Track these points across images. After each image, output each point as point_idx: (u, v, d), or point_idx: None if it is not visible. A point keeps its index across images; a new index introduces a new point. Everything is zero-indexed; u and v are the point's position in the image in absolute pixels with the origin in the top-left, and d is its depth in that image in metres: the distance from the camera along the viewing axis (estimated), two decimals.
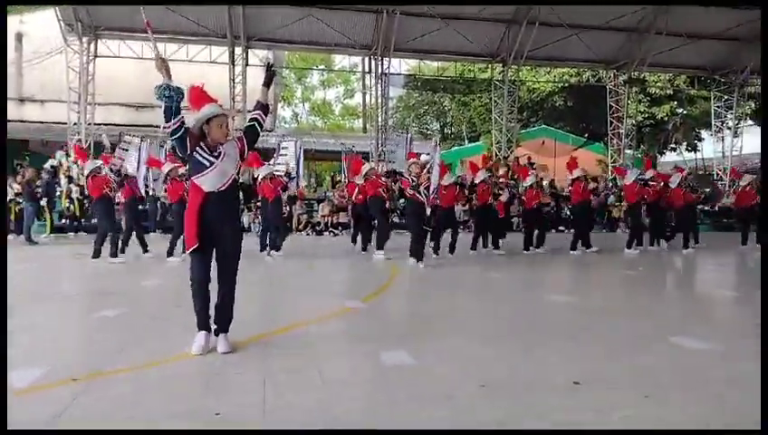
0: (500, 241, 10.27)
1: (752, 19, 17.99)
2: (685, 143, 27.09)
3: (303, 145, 22.92)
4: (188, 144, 3.46)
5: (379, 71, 18.65)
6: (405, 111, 33.19)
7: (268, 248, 9.14)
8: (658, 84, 24.59)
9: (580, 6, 17.07)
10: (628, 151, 21.20)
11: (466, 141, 28.65)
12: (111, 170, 8.83)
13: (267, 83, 3.85)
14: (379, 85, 18.88)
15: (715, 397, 2.82)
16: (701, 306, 5.80)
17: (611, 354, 3.61)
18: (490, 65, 20.45)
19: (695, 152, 27.49)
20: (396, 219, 14.96)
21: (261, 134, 3.82)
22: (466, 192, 10.65)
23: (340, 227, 15.16)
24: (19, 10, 21.22)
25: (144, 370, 3.20)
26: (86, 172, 8.89)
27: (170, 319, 4.54)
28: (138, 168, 9.98)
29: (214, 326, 3.59)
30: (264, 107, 3.78)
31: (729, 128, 21.66)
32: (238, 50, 18.29)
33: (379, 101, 19.09)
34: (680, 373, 3.21)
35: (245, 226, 15.32)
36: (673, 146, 27.56)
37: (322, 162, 28.19)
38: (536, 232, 10.44)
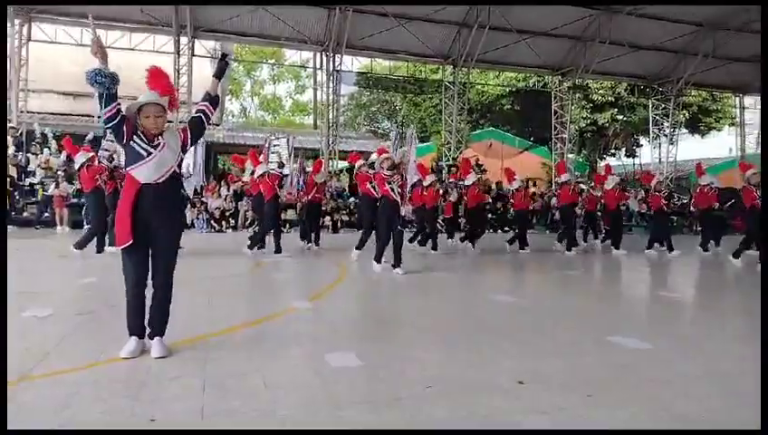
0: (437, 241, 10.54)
1: (687, 33, 18.98)
2: (624, 149, 28.27)
3: (251, 141, 22.57)
4: (124, 132, 3.28)
5: (331, 67, 18.50)
6: (356, 108, 33.12)
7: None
8: (600, 91, 25.56)
9: (529, 12, 17.49)
10: (570, 156, 21.90)
11: (417, 141, 28.85)
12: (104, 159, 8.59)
13: (219, 75, 3.67)
14: (330, 82, 18.73)
15: (650, 397, 2.90)
16: (641, 307, 6.01)
17: (554, 354, 3.67)
18: (441, 67, 20.67)
19: (633, 158, 28.72)
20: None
21: (207, 127, 3.67)
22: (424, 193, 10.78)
23: (288, 225, 14.91)
24: None
25: (74, 374, 3.01)
26: (77, 165, 8.53)
27: (103, 320, 4.31)
28: (194, 167, 10.36)
29: (148, 329, 3.42)
30: (212, 99, 3.61)
31: (666, 135, 22.73)
32: (184, 40, 17.71)
33: (331, 98, 18.95)
34: (619, 373, 3.29)
35: (189, 222, 14.87)
36: (613, 151, 28.73)
37: None
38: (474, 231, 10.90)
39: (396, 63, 23.23)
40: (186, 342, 3.64)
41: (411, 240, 10.78)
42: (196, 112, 3.60)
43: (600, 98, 25.87)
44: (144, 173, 3.31)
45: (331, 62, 18.49)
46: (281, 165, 9.96)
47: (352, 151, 20.13)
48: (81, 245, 8.10)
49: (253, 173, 9.94)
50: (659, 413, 2.66)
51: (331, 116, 19.11)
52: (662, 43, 19.38)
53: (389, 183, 7.26)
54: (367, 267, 8.11)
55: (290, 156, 10.95)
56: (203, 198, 15.51)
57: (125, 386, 2.89)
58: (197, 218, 14.90)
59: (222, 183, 17.19)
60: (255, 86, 38.11)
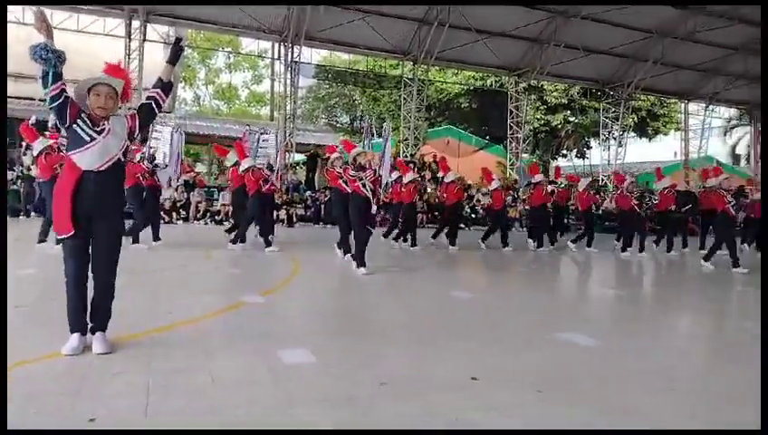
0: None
1: (639, 39, 19.63)
2: (575, 150, 29.08)
3: (206, 130, 22.00)
4: (68, 114, 3.09)
5: (289, 58, 18.20)
6: (314, 101, 32.79)
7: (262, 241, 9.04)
8: (554, 93, 26.18)
9: (488, 13, 17.69)
10: (524, 155, 22.35)
11: (375, 136, 28.85)
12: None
13: (173, 60, 3.50)
14: (288, 73, 18.43)
15: (599, 393, 2.96)
16: (590, 304, 6.17)
17: (508, 350, 3.71)
18: (401, 62, 20.67)
19: (583, 159, 29.58)
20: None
21: (158, 114, 3.50)
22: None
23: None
24: None
25: (9, 371, 2.82)
26: (35, 152, 8.27)
27: (42, 314, 4.08)
28: (170, 157, 9.72)
29: (90, 324, 3.25)
30: (165, 85, 3.44)
31: (615, 138, 23.49)
32: (136, 23, 17.05)
33: (288, 89, 18.66)
34: (569, 370, 3.35)
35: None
36: (564, 152, 29.51)
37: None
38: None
39: (355, 57, 23.11)
40: (130, 337, 3.48)
41: (386, 235, 10.92)
42: (147, 99, 3.43)
43: (553, 100, 26.50)
44: (86, 159, 3.13)
45: (290, 53, 18.19)
46: (270, 166, 9.54)
47: (309, 145, 19.91)
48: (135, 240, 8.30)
49: (236, 165, 9.58)
50: (608, 409, 2.72)
51: (288, 108, 18.82)
52: (615, 48, 19.99)
53: (360, 179, 6.89)
54: (321, 261, 8.03)
55: (277, 153, 10.45)
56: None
57: (64, 383, 2.73)
58: None
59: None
60: (210, 74, 37.13)
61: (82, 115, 3.15)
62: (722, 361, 3.75)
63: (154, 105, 3.40)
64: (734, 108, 26.06)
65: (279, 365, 3.15)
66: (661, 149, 29.57)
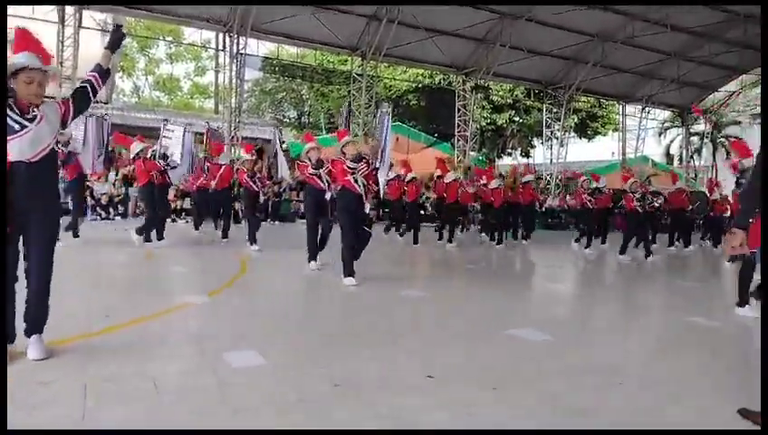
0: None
1: (581, 42, 20.28)
2: (519, 149, 29.82)
3: (143, 122, 21.14)
4: None
5: (234, 50, 17.71)
6: (261, 95, 32.12)
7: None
8: (500, 93, 26.71)
9: (437, 12, 17.81)
10: (471, 153, 22.69)
11: (324, 132, 28.59)
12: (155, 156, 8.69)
13: (112, 47, 3.31)
14: (233, 65, 17.93)
15: (550, 389, 2.99)
16: (540, 300, 6.30)
17: (460, 348, 3.71)
18: (350, 58, 20.52)
19: (527, 158, 30.36)
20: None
21: (93, 99, 3.26)
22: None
23: (183, 214, 14.13)
24: None
25: None
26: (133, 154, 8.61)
27: None
28: (182, 156, 9.52)
29: (24, 326, 3.01)
30: (102, 71, 3.24)
31: (557, 138, 24.22)
32: (70, 9, 16.13)
33: (234, 82, 18.16)
34: (521, 365, 3.38)
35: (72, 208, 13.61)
36: (509, 151, 30.21)
37: None
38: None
39: (303, 51, 22.76)
40: (65, 341, 3.26)
41: (386, 231, 11.87)
42: (83, 82, 3.21)
43: (499, 99, 27.03)
44: (16, 149, 2.88)
45: (235, 45, 17.70)
46: (164, 156, 8.98)
47: (256, 139, 19.44)
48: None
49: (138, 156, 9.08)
50: (562, 404, 2.75)
51: (233, 101, 18.33)
52: (557, 50, 20.58)
53: (353, 172, 5.90)
54: (270, 260, 7.83)
55: (182, 153, 9.83)
56: (87, 183, 14.26)
57: None
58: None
59: (110, 167, 15.91)
60: (150, 65, 35.68)
61: (10, 102, 2.90)
62: (668, 355, 3.88)
63: (89, 90, 3.17)
64: (667, 110, 27.38)
65: (226, 369, 3.02)
66: (600, 149, 30.76)
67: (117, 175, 15.49)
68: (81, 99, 3.17)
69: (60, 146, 8.02)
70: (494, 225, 11.90)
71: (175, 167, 9.14)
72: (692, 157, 28.17)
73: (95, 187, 14.20)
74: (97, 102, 20.37)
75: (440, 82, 25.09)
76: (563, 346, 3.87)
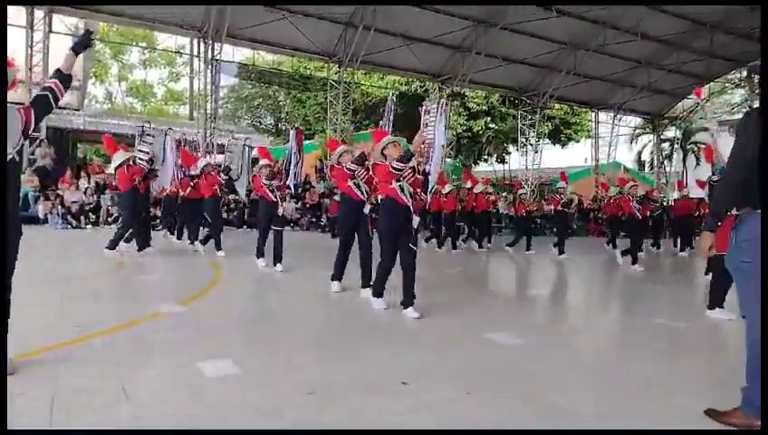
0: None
1: (554, 50, 20.61)
2: (495, 156, 30.12)
3: (116, 129, 20.80)
4: None
5: (209, 56, 17.54)
6: (237, 101, 31.88)
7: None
8: (476, 100, 26.97)
9: (414, 19, 17.94)
10: (448, 160, 22.83)
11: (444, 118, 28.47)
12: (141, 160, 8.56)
13: (76, 49, 3.20)
14: (208, 71, 17.75)
15: (525, 391, 3.01)
16: (512, 305, 6.34)
17: (433, 352, 3.71)
18: (327, 64, 20.51)
19: (503, 164, 30.69)
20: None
21: (55, 107, 3.15)
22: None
23: (157, 220, 13.89)
24: None
25: None
26: (115, 164, 8.41)
27: None
28: (163, 161, 9.28)
29: None
30: (63, 77, 3.14)
31: (531, 144, 24.54)
32: (39, 13, 15.80)
33: (209, 88, 17.98)
34: (495, 369, 3.40)
35: (41, 216, 13.32)
36: (485, 157, 30.51)
37: None
38: None
39: (280, 57, 22.67)
40: (34, 353, 3.17)
41: (427, 240, 12.15)
42: (42, 90, 3.10)
43: (475, 106, 27.30)
44: None
45: (210, 51, 17.53)
46: (150, 160, 8.88)
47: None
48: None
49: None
50: (533, 406, 2.77)
51: (209, 107, 18.13)
52: (531, 58, 20.87)
53: (399, 180, 4.94)
54: (244, 267, 7.73)
55: (163, 158, 9.64)
56: (57, 191, 13.96)
57: None
58: (51, 213, 13.38)
59: (81, 174, 15.62)
60: (123, 70, 35.16)
61: None
62: (637, 357, 3.94)
63: (51, 98, 3.07)
64: (639, 117, 27.96)
65: (200, 378, 2.97)
66: (574, 156, 31.27)
67: (89, 182, 15.19)
68: (42, 107, 3.05)
69: (144, 163, 8.50)
70: (444, 230, 12.07)
71: (236, 179, 9.36)
72: (663, 163, 28.80)
73: (65, 195, 13.90)
74: (64, 109, 19.94)
75: (417, 90, 25.24)
76: (537, 349, 3.90)
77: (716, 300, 5.25)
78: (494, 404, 2.79)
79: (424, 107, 5.58)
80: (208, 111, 18.02)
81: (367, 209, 5.67)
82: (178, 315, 4.49)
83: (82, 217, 13.65)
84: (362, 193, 5.66)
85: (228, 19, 16.58)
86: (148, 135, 9.40)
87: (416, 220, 5.05)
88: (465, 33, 19.30)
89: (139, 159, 8.61)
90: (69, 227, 13.25)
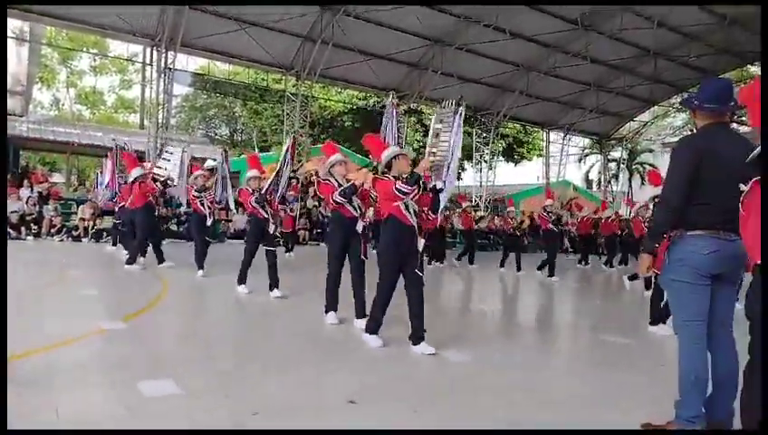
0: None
1: (508, 71, 21.19)
2: None
3: (62, 136, 20.07)
4: None
5: (162, 64, 17.17)
6: (191, 111, 31.25)
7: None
8: (432, 117, 27.36)
9: (371, 35, 18.12)
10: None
11: (257, 150, 28.15)
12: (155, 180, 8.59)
13: None
14: (161, 80, 17.36)
15: (474, 407, 3.04)
16: (463, 321, 6.40)
17: (381, 369, 3.70)
18: (284, 77, 20.41)
19: (459, 180, 31.19)
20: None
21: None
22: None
23: (105, 233, 13.40)
24: None
25: None
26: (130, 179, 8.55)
27: None
28: (179, 177, 8.94)
29: None
30: None
31: (485, 161, 25.05)
32: None
33: (161, 97, 17.57)
34: (442, 386, 3.42)
35: None
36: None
37: (86, 157, 24.93)
38: None
39: (236, 68, 22.41)
40: None
41: (459, 258, 12.40)
42: None
43: (431, 123, 27.71)
44: None
45: (163, 59, 17.16)
46: (165, 184, 8.76)
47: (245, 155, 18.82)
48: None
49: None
50: (483, 422, 2.79)
51: (161, 117, 17.70)
52: (486, 78, 21.40)
53: (405, 199, 4.28)
54: (192, 282, 7.52)
55: (181, 173, 9.25)
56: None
57: None
58: None
59: (24, 183, 14.92)
60: (72, 76, 33.96)
61: None
62: (582, 371, 4.04)
63: None
64: (587, 138, 29.00)
65: (138, 399, 2.86)
66: (526, 173, 32.10)
67: (32, 192, 14.51)
68: None
69: (158, 184, 8.46)
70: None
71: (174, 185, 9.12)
72: (609, 182, 29.89)
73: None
74: (10, 115, 19.06)
75: (374, 105, 25.41)
76: (484, 366, 3.94)
77: (658, 316, 5.46)
78: (442, 421, 2.80)
79: (436, 115, 4.77)
80: (160, 121, 17.59)
81: (360, 227, 5.04)
82: (119, 332, 4.30)
83: (23, 229, 13.01)
84: (355, 209, 5.05)
85: (183, 27, 16.29)
86: (167, 152, 9.36)
87: (421, 243, 4.46)
88: (422, 52, 19.63)
89: (157, 174, 8.67)
90: (8, 237, 12.60)
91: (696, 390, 2.57)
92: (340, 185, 4.99)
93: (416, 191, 4.31)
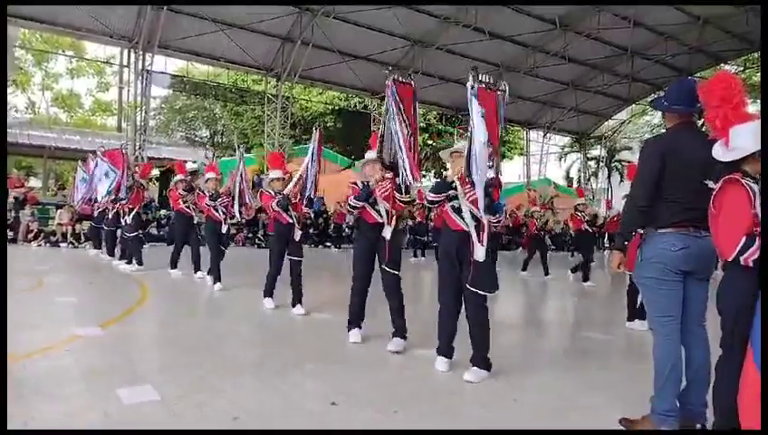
0: None
1: (489, 71, 21.31)
2: (433, 171, 30.70)
3: (40, 141, 19.73)
4: None
5: (140, 66, 16.97)
6: (170, 113, 30.90)
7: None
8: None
9: (351, 36, 18.13)
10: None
11: (238, 152, 27.96)
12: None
13: None
14: (139, 82, 17.15)
15: (448, 407, 3.06)
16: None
17: (359, 372, 3.70)
18: (264, 78, 20.31)
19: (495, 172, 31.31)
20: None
21: None
22: None
23: (83, 238, 13.21)
24: None
25: None
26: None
27: None
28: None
29: None
30: None
31: None
32: None
33: (139, 99, 17.36)
34: (418, 387, 3.44)
35: None
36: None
37: (63, 161, 24.53)
38: None
39: (216, 70, 22.24)
40: None
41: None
42: None
43: None
44: None
45: (141, 61, 16.96)
46: (189, 187, 8.29)
47: (163, 159, 18.59)
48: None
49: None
50: (457, 421, 2.82)
51: (138, 119, 17.50)
52: (466, 78, 21.50)
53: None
54: (172, 287, 7.45)
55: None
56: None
57: None
58: None
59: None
60: (48, 79, 33.36)
61: None
62: (561, 368, 4.09)
63: None
64: (567, 136, 29.32)
65: (117, 406, 2.84)
66: (508, 172, 32.30)
67: (7, 197, 14.24)
68: None
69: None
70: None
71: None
72: (589, 179, 30.25)
73: None
74: None
75: (355, 105, 25.40)
76: (456, 366, 3.95)
77: (635, 312, 5.56)
78: (420, 421, 2.82)
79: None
80: (138, 123, 17.39)
81: (387, 234, 4.42)
82: (97, 339, 4.25)
83: None
84: (379, 214, 4.47)
85: (161, 29, 16.12)
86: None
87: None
88: (402, 52, 19.68)
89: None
90: None
91: (669, 384, 2.63)
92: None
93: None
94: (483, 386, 3.47)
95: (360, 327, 4.57)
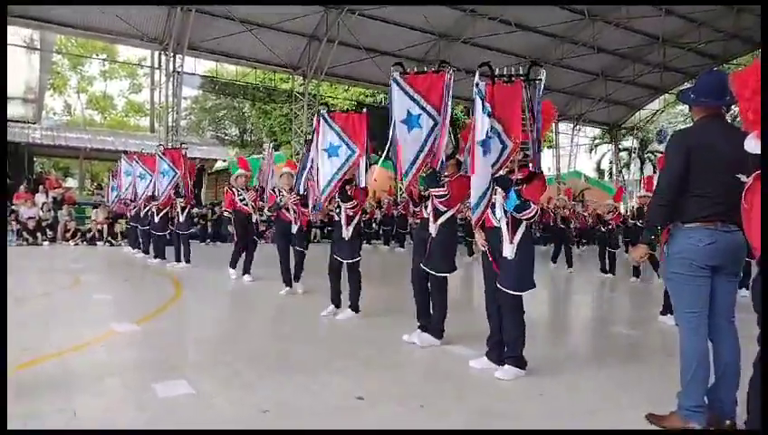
0: None
1: (514, 63, 21.04)
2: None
3: (77, 142, 20.32)
4: None
5: (171, 68, 17.32)
6: (200, 113, 31.47)
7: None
8: None
9: (377, 33, 18.15)
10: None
11: (272, 148, 28.26)
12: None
13: None
14: (170, 83, 17.52)
15: (473, 402, 3.09)
16: (468, 315, 6.43)
17: (385, 368, 3.75)
18: (291, 76, 20.50)
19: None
20: None
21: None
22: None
23: (120, 237, 13.61)
24: None
25: None
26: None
27: None
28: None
29: None
30: None
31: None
32: None
33: (170, 100, 17.73)
34: (445, 381, 3.46)
35: None
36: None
37: (98, 162, 25.22)
38: None
39: (244, 69, 22.55)
40: None
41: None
42: None
43: None
44: None
45: (172, 63, 17.31)
46: (262, 189, 8.26)
47: (195, 159, 18.96)
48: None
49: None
50: (478, 418, 2.84)
51: (170, 119, 17.87)
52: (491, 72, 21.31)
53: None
54: (205, 283, 7.62)
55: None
56: (12, 207, 13.52)
57: None
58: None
59: (39, 189, 15.18)
60: (83, 82, 34.35)
61: None
62: (588, 364, 4.07)
63: None
64: (597, 128, 28.78)
65: (153, 400, 2.95)
66: None
67: (47, 197, 14.77)
68: None
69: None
70: None
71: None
72: (621, 171, 29.66)
73: (21, 210, 13.48)
74: (18, 122, 19.33)
75: (382, 102, 25.42)
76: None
77: (670, 305, 5.47)
78: (447, 416, 2.85)
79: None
80: (170, 123, 17.77)
81: (434, 231, 4.35)
82: (133, 335, 4.41)
83: (39, 234, 13.26)
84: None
85: (190, 31, 16.42)
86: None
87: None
88: (428, 47, 19.59)
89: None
90: (24, 243, 12.86)
91: (696, 380, 2.60)
92: None
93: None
94: (511, 382, 3.47)
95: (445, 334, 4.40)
